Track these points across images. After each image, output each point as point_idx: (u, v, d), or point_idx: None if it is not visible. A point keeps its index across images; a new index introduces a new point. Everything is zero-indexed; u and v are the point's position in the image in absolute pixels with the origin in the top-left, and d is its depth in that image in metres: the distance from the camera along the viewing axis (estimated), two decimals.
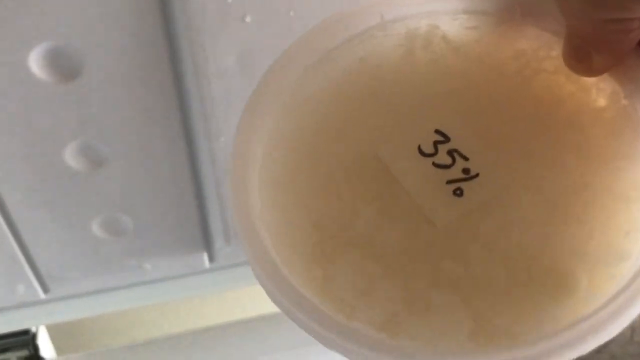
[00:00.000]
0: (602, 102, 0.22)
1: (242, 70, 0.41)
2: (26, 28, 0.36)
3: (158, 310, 0.56)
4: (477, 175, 0.21)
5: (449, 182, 0.21)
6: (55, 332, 0.63)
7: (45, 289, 0.52)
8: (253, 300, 0.55)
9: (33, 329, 0.60)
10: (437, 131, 0.22)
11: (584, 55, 0.21)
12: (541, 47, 0.23)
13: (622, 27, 0.19)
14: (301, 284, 0.20)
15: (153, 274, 0.54)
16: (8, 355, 0.58)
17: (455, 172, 0.21)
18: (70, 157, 0.43)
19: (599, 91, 0.22)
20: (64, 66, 0.39)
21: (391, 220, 0.21)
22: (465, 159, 0.22)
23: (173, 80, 0.41)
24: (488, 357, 0.18)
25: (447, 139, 0.22)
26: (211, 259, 0.54)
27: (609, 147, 0.21)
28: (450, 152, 0.22)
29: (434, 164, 0.22)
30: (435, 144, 0.22)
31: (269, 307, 0.61)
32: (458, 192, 0.21)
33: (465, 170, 0.21)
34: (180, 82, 0.41)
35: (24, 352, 0.58)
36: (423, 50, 0.24)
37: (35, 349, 0.59)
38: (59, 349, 0.63)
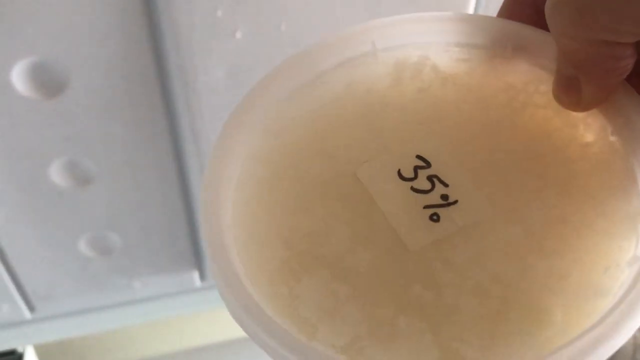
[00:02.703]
0: (589, 137, 0.22)
1: (232, 85, 0.41)
2: (8, 43, 0.36)
3: (148, 329, 0.55)
4: (455, 202, 0.21)
5: (426, 207, 0.21)
6: (43, 352, 0.62)
7: (31, 308, 0.51)
8: None
9: (20, 349, 0.59)
10: (418, 156, 0.22)
11: (573, 87, 0.21)
12: (531, 82, 0.23)
13: (613, 52, 0.19)
14: (265, 301, 0.19)
15: (143, 293, 0.53)
16: None
17: (434, 198, 0.21)
18: (56, 174, 0.43)
19: (587, 126, 0.22)
20: (48, 82, 0.38)
21: (364, 242, 0.21)
22: (445, 185, 0.22)
23: (161, 95, 0.40)
24: None
25: (428, 165, 0.22)
26: (202, 277, 0.53)
27: (592, 183, 0.21)
28: (430, 178, 0.22)
29: (412, 188, 0.22)
30: (416, 168, 0.22)
31: None
32: (435, 217, 0.21)
33: (444, 197, 0.21)
34: (168, 97, 0.41)
35: None
36: (412, 78, 0.24)
37: None
38: None
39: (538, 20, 0.23)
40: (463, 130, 0.23)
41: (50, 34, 0.36)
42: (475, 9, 0.42)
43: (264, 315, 0.18)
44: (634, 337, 0.65)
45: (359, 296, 0.20)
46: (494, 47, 0.23)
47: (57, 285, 0.50)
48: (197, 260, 0.52)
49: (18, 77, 0.37)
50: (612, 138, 0.21)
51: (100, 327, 0.54)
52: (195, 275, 0.53)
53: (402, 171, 0.22)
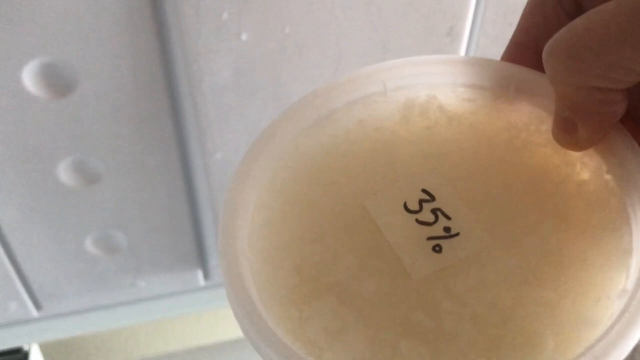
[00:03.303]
0: (585, 175, 0.23)
1: (237, 86, 0.41)
2: (20, 43, 0.36)
3: (153, 328, 0.55)
4: (457, 234, 0.22)
5: (430, 238, 0.22)
6: (48, 351, 0.62)
7: (38, 307, 0.51)
8: None
9: (25, 347, 0.59)
10: (423, 190, 0.23)
11: (570, 128, 0.22)
12: (532, 122, 0.24)
13: (605, 98, 0.20)
14: (275, 323, 0.20)
15: (147, 292, 0.54)
16: None
17: (437, 230, 0.23)
18: (64, 173, 0.43)
19: (583, 165, 0.23)
20: (58, 82, 0.39)
21: (370, 270, 0.22)
22: (448, 218, 0.23)
23: (167, 96, 0.41)
24: None
25: (432, 198, 0.23)
26: (206, 276, 0.54)
27: (588, 218, 0.22)
28: (434, 211, 0.23)
29: (417, 220, 0.23)
30: (421, 202, 0.23)
31: None
32: (437, 248, 0.22)
33: (447, 229, 0.23)
34: (174, 97, 0.41)
35: None
36: (419, 116, 0.25)
37: None
38: None
39: (539, 63, 0.23)
40: (466, 166, 0.24)
41: (61, 35, 0.37)
42: (468, 46, 0.43)
43: (274, 337, 0.19)
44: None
45: (363, 321, 0.21)
46: (497, 89, 0.25)
47: (64, 283, 0.50)
48: (201, 259, 0.52)
49: (29, 77, 0.38)
50: (607, 177, 0.22)
51: (106, 326, 0.54)
52: (199, 274, 0.53)
53: (407, 204, 0.23)
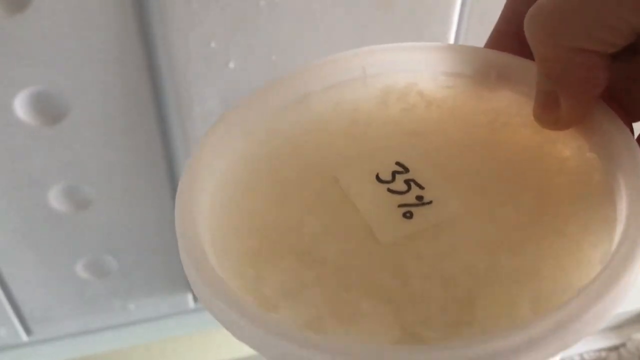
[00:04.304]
0: (567, 152, 0.22)
1: None
2: (12, 72, 0.37)
3: (143, 350, 0.55)
4: (430, 202, 0.21)
5: (401, 205, 0.21)
6: None
7: (28, 331, 0.51)
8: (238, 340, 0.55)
9: None
10: (397, 163, 0.23)
11: (552, 102, 0.21)
12: (513, 106, 0.24)
13: (588, 61, 0.20)
14: (230, 279, 0.19)
15: (137, 315, 0.54)
16: None
17: (409, 198, 0.22)
18: (55, 199, 0.43)
19: (565, 144, 0.22)
20: (49, 110, 0.39)
21: (335, 235, 0.21)
22: (421, 187, 0.22)
23: (157, 122, 0.41)
24: (422, 353, 0.17)
25: (406, 170, 0.22)
26: (196, 299, 0.54)
27: (569, 191, 0.21)
28: (407, 182, 0.22)
29: (388, 189, 0.22)
30: (394, 173, 0.22)
31: None
32: (408, 214, 0.21)
33: (419, 197, 0.22)
34: (164, 124, 0.42)
35: None
36: (398, 101, 0.24)
37: None
38: None
39: (521, 51, 0.23)
40: (443, 144, 0.23)
41: (52, 65, 0.37)
42: (456, 38, 0.44)
43: (225, 288, 0.18)
44: (619, 353, 0.66)
45: (323, 281, 0.20)
46: (478, 76, 0.24)
47: (54, 308, 0.50)
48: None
49: (20, 105, 0.38)
50: (590, 154, 0.22)
51: (96, 349, 0.54)
52: (189, 297, 0.54)
53: (380, 175, 0.22)
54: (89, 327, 0.53)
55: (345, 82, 0.25)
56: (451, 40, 0.43)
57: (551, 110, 0.21)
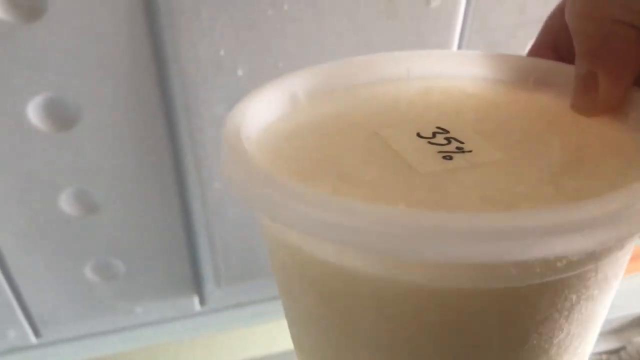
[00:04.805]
0: (607, 119, 0.22)
1: None
2: (25, 79, 0.37)
3: (150, 353, 0.56)
4: (470, 151, 0.21)
5: (441, 152, 0.21)
6: None
7: (37, 333, 0.51)
8: (244, 343, 0.56)
9: None
10: (438, 127, 0.23)
11: (590, 84, 0.21)
12: (551, 103, 0.24)
13: (627, 34, 0.19)
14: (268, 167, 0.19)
15: (144, 317, 0.54)
16: None
17: (449, 148, 0.22)
18: (65, 202, 0.44)
19: (603, 121, 0.22)
20: (61, 116, 0.39)
21: (375, 163, 0.21)
22: (461, 142, 0.22)
23: (167, 129, 0.42)
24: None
25: (446, 132, 0.23)
26: (202, 302, 0.54)
27: (607, 141, 0.21)
28: (448, 138, 0.22)
29: (429, 142, 0.22)
30: (434, 133, 0.23)
31: (260, 350, 0.61)
32: (448, 157, 0.21)
33: (459, 148, 0.22)
34: (173, 131, 0.42)
35: None
36: (439, 93, 0.25)
37: None
38: None
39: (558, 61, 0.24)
40: (484, 116, 0.24)
41: (64, 73, 0.37)
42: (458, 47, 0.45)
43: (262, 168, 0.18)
44: (619, 356, 0.67)
45: (362, 195, 0.19)
46: (517, 81, 0.25)
47: (63, 310, 0.51)
48: (197, 286, 0.53)
49: (33, 112, 0.39)
50: (631, 119, 0.21)
51: (103, 351, 0.55)
52: (196, 300, 0.54)
53: (421, 133, 0.23)
54: (97, 329, 0.53)
55: (388, 80, 0.25)
56: (454, 47, 0.44)
57: (590, 93, 0.21)
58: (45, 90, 0.38)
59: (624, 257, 0.19)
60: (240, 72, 0.40)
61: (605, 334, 0.67)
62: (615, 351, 0.67)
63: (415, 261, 0.17)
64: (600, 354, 0.66)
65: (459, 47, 0.44)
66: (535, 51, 0.26)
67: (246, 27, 0.38)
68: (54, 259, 0.47)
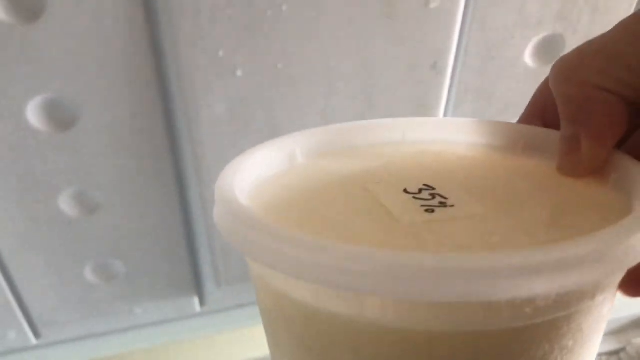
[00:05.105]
0: (591, 181, 0.23)
1: (232, 119, 0.42)
2: (25, 80, 0.37)
3: (149, 354, 0.56)
4: (452, 205, 0.22)
5: (424, 206, 0.22)
6: None
7: (37, 335, 0.52)
8: (243, 344, 0.56)
9: None
10: (424, 185, 0.24)
11: (574, 146, 0.22)
12: (540, 166, 0.25)
13: (607, 99, 0.20)
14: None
15: (144, 318, 0.54)
16: None
17: (433, 203, 0.23)
18: (65, 203, 0.44)
19: (587, 183, 0.23)
20: (60, 117, 0.40)
21: (360, 214, 0.22)
22: (445, 198, 0.23)
23: (166, 129, 0.42)
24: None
25: (432, 188, 0.24)
26: (202, 303, 0.54)
27: (588, 203, 0.21)
28: (432, 194, 0.23)
29: (414, 197, 0.23)
30: (421, 189, 0.24)
31: (260, 350, 0.60)
32: (430, 210, 0.22)
33: (442, 203, 0.23)
34: (173, 131, 0.42)
35: None
36: (432, 155, 0.27)
37: None
38: None
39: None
40: (470, 177, 0.25)
41: (64, 73, 0.38)
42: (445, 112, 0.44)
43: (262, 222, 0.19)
44: (619, 357, 0.66)
45: (341, 240, 0.20)
46: (507, 146, 0.26)
47: (62, 311, 0.51)
48: (197, 286, 0.53)
49: (33, 112, 0.39)
50: (614, 177, 0.22)
51: (103, 353, 0.55)
52: (195, 301, 0.54)
53: (408, 189, 0.24)
54: (97, 330, 0.53)
55: (385, 143, 0.27)
56: (453, 48, 0.44)
57: (573, 154, 0.22)
58: (44, 90, 0.38)
59: (598, 310, 0.20)
60: (239, 73, 0.40)
61: (605, 335, 0.67)
62: (615, 352, 0.67)
63: (382, 299, 0.18)
64: (600, 355, 0.66)
65: (458, 47, 0.44)
66: (524, 120, 0.27)
67: (245, 29, 0.38)
68: (53, 259, 0.47)
